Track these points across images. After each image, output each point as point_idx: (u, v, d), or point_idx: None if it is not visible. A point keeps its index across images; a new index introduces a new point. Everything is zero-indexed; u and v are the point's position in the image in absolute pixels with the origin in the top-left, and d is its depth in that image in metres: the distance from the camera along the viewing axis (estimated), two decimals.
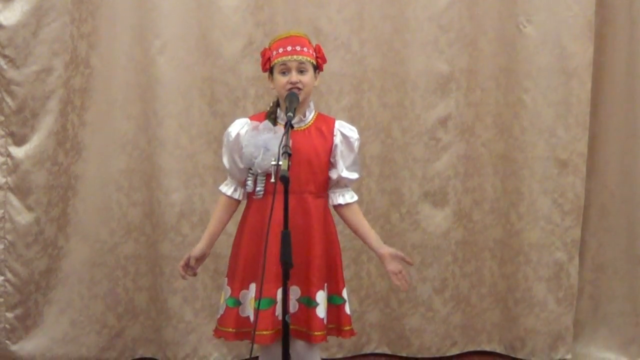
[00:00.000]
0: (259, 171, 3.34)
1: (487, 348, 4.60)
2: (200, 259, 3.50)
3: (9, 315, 4.24)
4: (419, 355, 4.54)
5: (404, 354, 4.55)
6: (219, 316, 3.47)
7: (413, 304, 4.50)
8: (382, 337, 4.56)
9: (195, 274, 3.54)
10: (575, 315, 4.52)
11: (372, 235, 3.53)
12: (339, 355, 4.53)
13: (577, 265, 4.48)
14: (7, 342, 4.24)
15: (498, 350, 4.59)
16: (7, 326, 4.24)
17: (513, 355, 4.54)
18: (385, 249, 3.47)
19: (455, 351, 4.57)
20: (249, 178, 3.39)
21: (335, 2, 4.30)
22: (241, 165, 3.38)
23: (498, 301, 4.55)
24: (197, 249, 3.49)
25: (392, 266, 3.44)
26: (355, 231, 3.54)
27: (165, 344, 4.42)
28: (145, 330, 4.47)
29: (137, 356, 4.49)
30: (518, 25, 4.32)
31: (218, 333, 3.46)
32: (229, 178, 3.48)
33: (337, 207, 3.49)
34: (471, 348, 4.60)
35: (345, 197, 3.47)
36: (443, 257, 4.49)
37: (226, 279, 3.47)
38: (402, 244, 4.40)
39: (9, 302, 4.23)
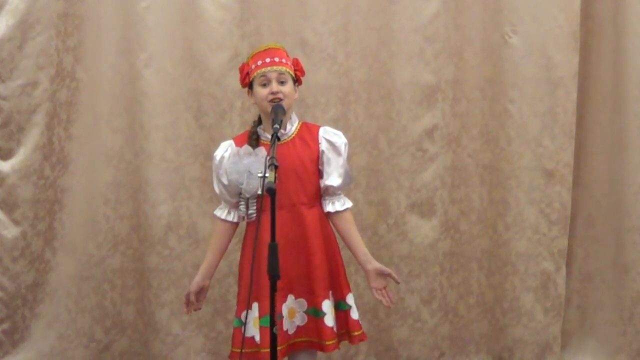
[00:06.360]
0: (247, 195, 3.33)
1: (475, 358, 4.59)
2: (201, 292, 3.48)
3: None
4: None
5: None
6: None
7: (401, 315, 4.49)
8: (370, 348, 4.55)
9: (199, 308, 3.53)
10: (563, 325, 4.51)
11: (361, 249, 3.46)
12: None
13: (564, 275, 4.47)
14: None
15: None
16: None
17: None
18: (371, 265, 3.43)
19: None
20: (242, 203, 3.37)
21: (321, 13, 4.29)
22: (230, 188, 3.37)
23: (486, 311, 4.54)
24: (194, 283, 3.47)
25: (376, 283, 3.43)
26: (344, 241, 3.50)
27: (153, 357, 4.41)
28: (133, 344, 4.46)
29: None
30: (503, 35, 4.33)
31: (230, 355, 3.43)
32: (222, 202, 3.46)
33: (328, 214, 3.44)
34: (459, 359, 4.59)
35: (335, 205, 3.43)
36: (430, 268, 4.48)
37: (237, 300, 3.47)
38: (389, 255, 4.41)
39: None
